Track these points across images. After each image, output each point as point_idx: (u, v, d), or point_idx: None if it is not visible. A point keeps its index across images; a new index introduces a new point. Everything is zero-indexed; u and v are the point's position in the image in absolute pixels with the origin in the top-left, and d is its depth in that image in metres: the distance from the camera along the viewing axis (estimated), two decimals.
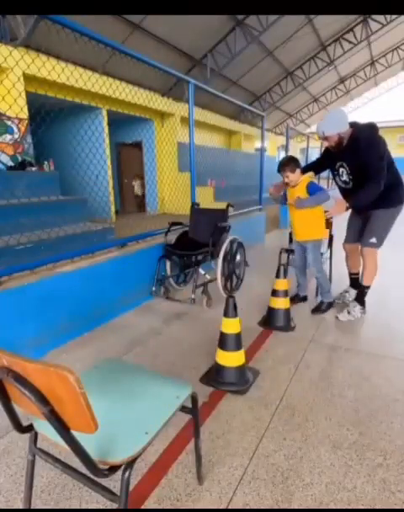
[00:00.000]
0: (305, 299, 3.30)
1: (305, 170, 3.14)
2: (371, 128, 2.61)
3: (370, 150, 2.53)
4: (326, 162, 3.02)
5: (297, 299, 3.26)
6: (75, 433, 0.84)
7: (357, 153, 2.58)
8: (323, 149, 3.04)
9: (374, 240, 2.77)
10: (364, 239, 2.82)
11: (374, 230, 2.78)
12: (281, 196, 3.13)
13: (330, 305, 3.08)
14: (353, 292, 3.27)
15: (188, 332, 2.74)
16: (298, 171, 2.82)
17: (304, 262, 3.14)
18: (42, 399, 0.78)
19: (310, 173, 2.99)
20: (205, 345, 2.48)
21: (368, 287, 2.91)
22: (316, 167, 3.21)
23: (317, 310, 3.05)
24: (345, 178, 2.82)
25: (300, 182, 2.84)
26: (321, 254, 3.11)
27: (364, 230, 2.90)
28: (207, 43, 9.07)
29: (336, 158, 2.81)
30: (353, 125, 2.64)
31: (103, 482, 1.00)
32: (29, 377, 0.79)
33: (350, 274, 3.31)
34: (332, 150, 2.76)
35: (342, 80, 16.45)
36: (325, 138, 2.66)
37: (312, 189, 2.78)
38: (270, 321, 2.79)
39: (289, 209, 3.09)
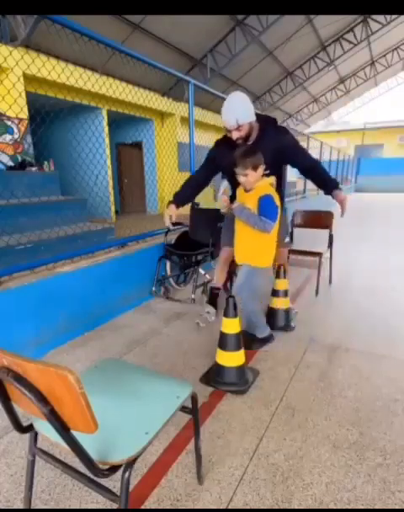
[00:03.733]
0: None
1: (196, 187, 2.64)
2: (275, 121, 2.36)
3: (295, 142, 2.41)
4: (216, 166, 2.51)
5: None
6: (75, 433, 0.84)
7: (276, 149, 2.20)
8: (214, 144, 2.55)
9: (288, 239, 2.66)
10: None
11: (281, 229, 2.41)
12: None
13: (264, 340, 2.45)
14: (213, 311, 2.80)
15: (188, 332, 2.74)
16: (261, 169, 2.02)
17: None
18: (42, 399, 0.79)
19: (272, 179, 2.13)
20: (205, 345, 2.48)
21: None
22: (204, 176, 2.62)
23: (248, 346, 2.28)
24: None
25: (257, 186, 2.08)
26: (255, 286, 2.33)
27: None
28: (207, 43, 9.07)
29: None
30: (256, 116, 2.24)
31: (103, 482, 1.00)
32: (29, 377, 0.79)
33: (215, 288, 2.81)
34: (236, 143, 2.23)
35: (342, 80, 16.44)
36: (237, 128, 2.15)
37: (264, 204, 2.02)
38: (270, 321, 2.79)
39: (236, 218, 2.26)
